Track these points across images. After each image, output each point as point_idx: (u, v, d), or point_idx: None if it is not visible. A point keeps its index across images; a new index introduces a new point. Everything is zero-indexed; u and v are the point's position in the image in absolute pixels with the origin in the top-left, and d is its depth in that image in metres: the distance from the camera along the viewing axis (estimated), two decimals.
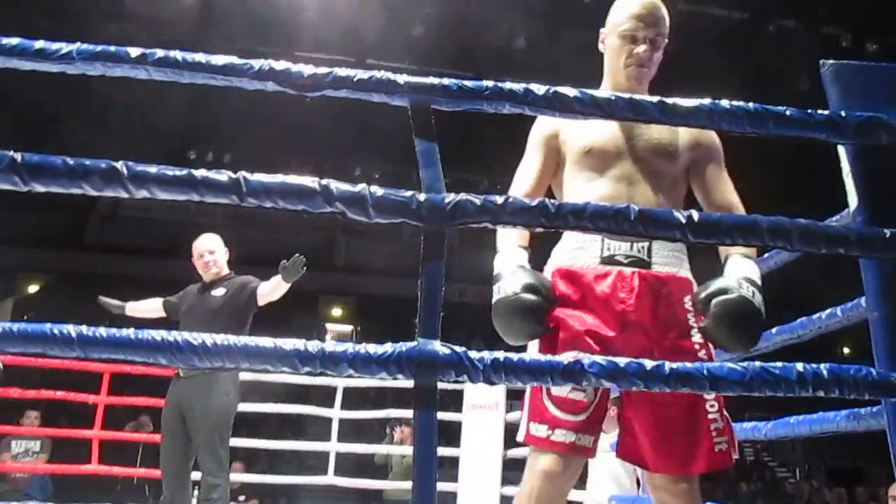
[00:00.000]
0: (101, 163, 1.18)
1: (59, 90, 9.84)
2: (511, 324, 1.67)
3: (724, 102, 1.40)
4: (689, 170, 1.89)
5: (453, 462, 5.29)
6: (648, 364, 1.23)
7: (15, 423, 6.05)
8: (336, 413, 5.46)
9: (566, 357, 1.22)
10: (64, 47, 1.28)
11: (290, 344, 1.14)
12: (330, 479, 5.32)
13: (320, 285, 15.47)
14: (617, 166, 1.81)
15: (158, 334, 1.13)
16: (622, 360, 1.23)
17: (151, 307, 3.72)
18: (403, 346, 1.17)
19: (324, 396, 7.89)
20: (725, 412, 1.76)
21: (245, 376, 4.25)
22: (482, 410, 5.32)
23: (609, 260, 1.76)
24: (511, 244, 1.78)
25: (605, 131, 1.83)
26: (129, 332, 1.13)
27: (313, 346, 1.15)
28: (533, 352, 1.74)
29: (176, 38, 10.58)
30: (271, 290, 3.44)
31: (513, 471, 6.66)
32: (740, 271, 1.71)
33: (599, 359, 1.22)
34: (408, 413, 6.10)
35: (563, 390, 1.68)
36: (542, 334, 1.71)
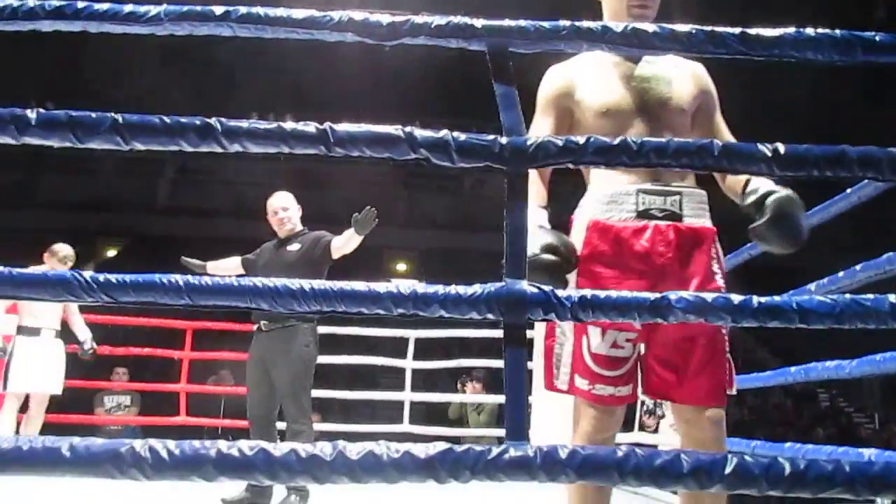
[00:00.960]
0: (195, 119, 1.24)
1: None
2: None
3: (809, 30, 1.36)
4: (694, 118, 1.88)
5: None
6: (736, 299, 1.24)
7: (106, 379, 6.42)
8: (409, 363, 5.58)
9: (653, 294, 1.24)
10: (152, 9, 1.32)
11: (383, 287, 1.18)
12: (405, 427, 5.47)
13: (384, 240, 15.66)
14: (634, 125, 1.80)
15: (260, 281, 1.19)
16: (709, 296, 1.23)
17: (231, 265, 3.85)
18: (492, 287, 1.20)
19: (392, 349, 8.07)
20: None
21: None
22: None
23: (645, 214, 1.76)
24: (531, 204, 1.77)
25: (618, 91, 1.82)
26: (232, 280, 1.19)
27: (405, 287, 1.19)
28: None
29: None
30: (344, 242, 3.51)
31: None
32: (770, 182, 1.73)
33: (687, 294, 1.23)
34: (477, 362, 6.20)
35: (602, 348, 1.76)
36: None
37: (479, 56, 1.34)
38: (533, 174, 1.70)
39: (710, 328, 1.71)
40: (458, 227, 15.61)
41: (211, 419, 5.82)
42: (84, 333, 4.62)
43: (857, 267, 2.21)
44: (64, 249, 4.56)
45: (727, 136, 1.88)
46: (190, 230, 14.30)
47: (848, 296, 1.27)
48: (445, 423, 6.95)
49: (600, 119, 1.82)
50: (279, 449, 1.09)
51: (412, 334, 5.52)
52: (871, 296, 1.26)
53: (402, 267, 17.09)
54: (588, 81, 1.84)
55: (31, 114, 1.23)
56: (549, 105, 1.89)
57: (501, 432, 6.05)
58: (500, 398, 5.81)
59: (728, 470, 1.15)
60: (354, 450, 1.10)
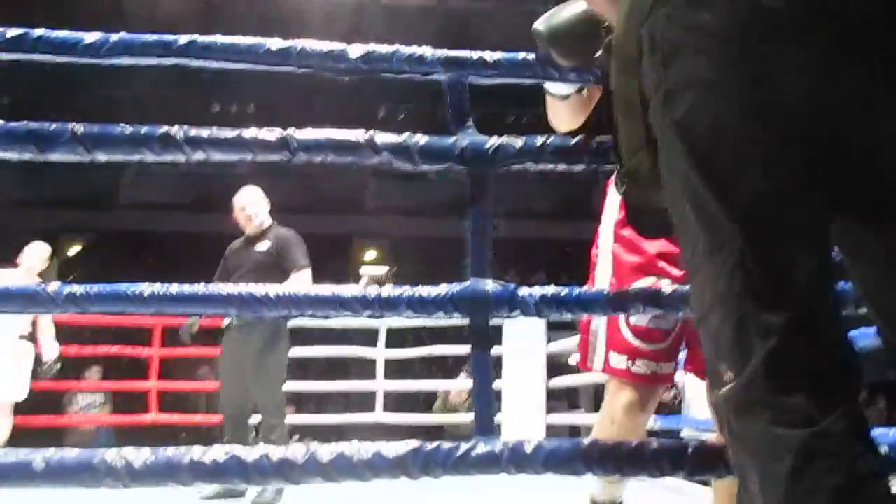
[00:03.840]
0: (157, 129, 1.24)
1: None
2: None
3: None
4: None
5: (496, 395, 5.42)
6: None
7: (77, 379, 6.34)
8: (380, 352, 5.61)
9: (613, 289, 1.28)
10: (112, 37, 1.30)
11: (350, 291, 1.20)
12: (378, 416, 5.50)
13: (352, 229, 15.61)
14: None
15: (227, 288, 1.20)
16: (668, 288, 1.28)
17: None
18: (457, 287, 1.23)
19: (365, 338, 8.09)
20: None
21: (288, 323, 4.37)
22: (524, 342, 5.42)
23: None
24: None
25: None
26: (200, 288, 1.20)
27: (372, 293, 1.21)
28: (603, 279, 1.65)
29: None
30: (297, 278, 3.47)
31: (556, 400, 6.83)
32: None
33: (645, 287, 1.27)
34: (449, 349, 6.24)
35: (642, 319, 1.60)
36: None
37: None
38: None
39: None
40: (427, 214, 15.59)
41: (186, 415, 5.78)
42: (49, 350, 4.42)
43: None
44: (35, 254, 4.40)
45: None
46: (153, 224, 14.10)
47: None
48: (419, 409, 7.00)
49: None
50: (251, 454, 1.11)
51: (383, 324, 5.54)
52: None
53: (372, 255, 17.06)
54: None
55: None
56: None
57: (469, 417, 6.12)
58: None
59: (688, 453, 1.19)
60: (326, 451, 1.13)
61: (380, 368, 5.58)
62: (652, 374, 1.62)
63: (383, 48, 1.32)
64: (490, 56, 1.33)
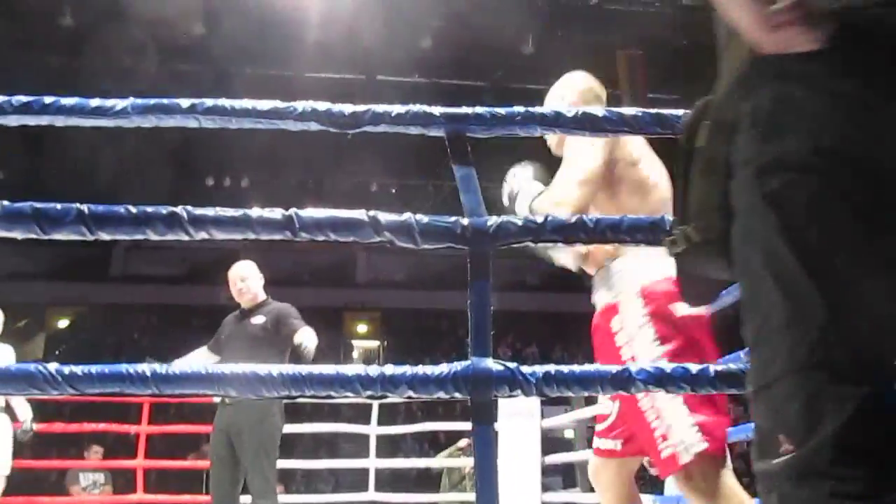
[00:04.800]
0: (161, 209, 1.25)
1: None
2: None
3: None
4: None
5: None
6: (694, 368, 1.28)
7: (79, 458, 6.26)
8: (373, 429, 5.52)
9: (614, 367, 1.28)
10: (119, 103, 1.35)
11: (352, 370, 1.20)
12: (371, 495, 5.37)
13: (344, 301, 15.56)
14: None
15: (227, 368, 1.19)
16: (668, 366, 1.28)
17: (200, 358, 3.75)
18: (458, 366, 1.23)
19: (353, 415, 7.96)
20: (668, 415, 1.64)
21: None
22: (518, 418, 5.35)
23: None
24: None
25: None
26: (200, 368, 1.20)
27: (374, 370, 1.21)
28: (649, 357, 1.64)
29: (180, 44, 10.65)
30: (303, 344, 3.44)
31: (552, 476, 6.69)
32: None
33: (647, 365, 1.27)
34: (442, 425, 6.14)
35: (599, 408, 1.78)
36: None
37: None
38: None
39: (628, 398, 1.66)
40: (419, 286, 15.60)
41: (174, 495, 5.61)
42: (25, 413, 4.32)
43: None
44: None
45: None
46: (143, 297, 14.04)
47: None
48: (410, 487, 6.85)
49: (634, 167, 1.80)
50: None
51: (375, 400, 5.47)
52: None
53: (362, 328, 16.97)
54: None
55: None
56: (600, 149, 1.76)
57: (470, 497, 5.97)
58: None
59: None
60: None
61: (372, 445, 5.48)
62: (597, 448, 1.89)
63: (382, 107, 1.36)
64: (487, 111, 1.38)
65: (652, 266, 1.67)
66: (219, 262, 3.81)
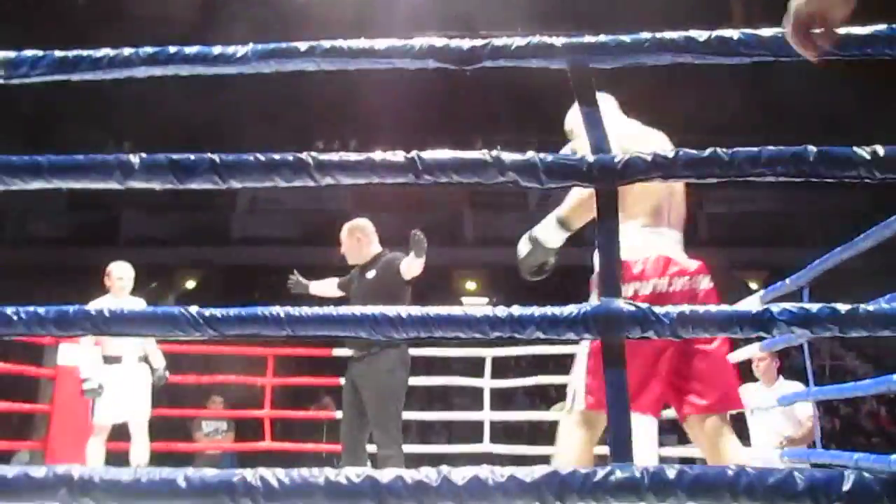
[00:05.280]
0: (288, 156, 1.27)
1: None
2: None
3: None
4: None
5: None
6: (842, 308, 1.19)
7: (202, 407, 6.78)
8: (487, 383, 5.57)
9: (754, 307, 1.21)
10: (240, 49, 1.37)
11: (480, 311, 1.19)
12: (486, 447, 5.44)
13: (452, 260, 15.67)
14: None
15: (359, 310, 1.21)
16: (814, 306, 1.20)
17: (329, 286, 3.96)
18: (588, 306, 1.19)
19: (465, 368, 8.07)
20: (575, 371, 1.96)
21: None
22: None
23: None
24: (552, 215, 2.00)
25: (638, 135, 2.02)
26: (332, 310, 1.22)
27: (502, 311, 1.19)
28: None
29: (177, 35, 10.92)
30: (407, 267, 3.54)
31: (667, 434, 6.55)
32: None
33: (789, 306, 1.19)
34: (553, 379, 6.12)
35: None
36: None
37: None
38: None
39: None
40: None
41: (299, 443, 5.88)
42: (159, 362, 4.59)
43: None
44: (117, 270, 4.52)
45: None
46: (262, 258, 14.65)
47: None
48: (523, 440, 6.89)
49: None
50: (386, 475, 1.10)
51: (489, 353, 5.51)
52: None
53: (471, 286, 17.09)
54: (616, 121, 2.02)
55: (135, 158, 1.29)
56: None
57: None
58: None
59: (846, 487, 1.10)
60: (459, 475, 1.11)
61: (486, 398, 5.53)
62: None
63: (502, 40, 1.32)
64: (612, 39, 1.31)
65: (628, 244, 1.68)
66: (330, 224, 3.91)
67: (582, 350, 1.93)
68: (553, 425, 6.62)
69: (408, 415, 6.29)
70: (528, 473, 1.11)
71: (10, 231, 14.59)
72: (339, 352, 5.05)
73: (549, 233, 1.96)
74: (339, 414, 4.26)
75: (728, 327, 1.21)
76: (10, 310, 1.23)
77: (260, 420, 5.53)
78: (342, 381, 3.81)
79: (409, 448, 6.78)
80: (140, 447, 4.39)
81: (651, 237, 1.91)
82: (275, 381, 5.44)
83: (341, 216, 4.09)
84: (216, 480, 1.11)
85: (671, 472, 1.10)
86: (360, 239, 3.75)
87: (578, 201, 1.86)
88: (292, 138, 13.00)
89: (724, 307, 1.22)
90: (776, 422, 4.57)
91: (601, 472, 1.10)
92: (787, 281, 3.22)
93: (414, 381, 5.86)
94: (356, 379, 3.55)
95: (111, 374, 4.41)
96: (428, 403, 10.39)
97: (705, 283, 1.91)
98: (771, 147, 1.27)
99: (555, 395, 9.04)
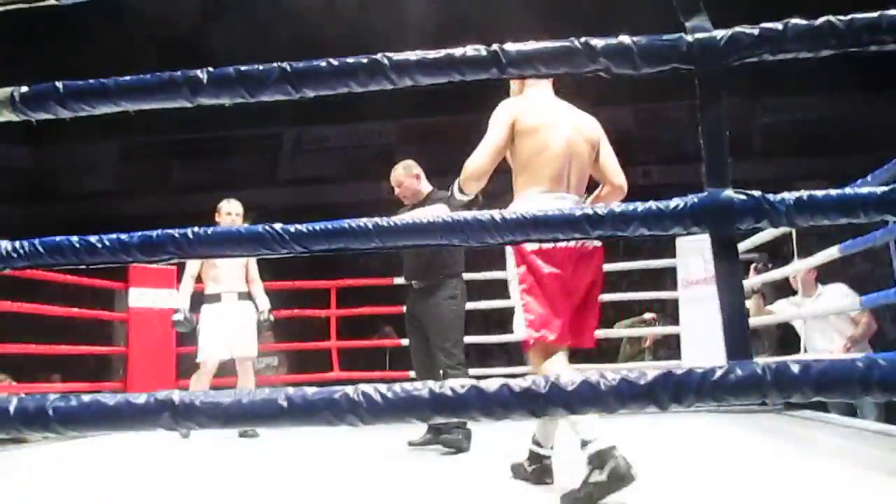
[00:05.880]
0: (363, 58, 1.20)
1: None
2: None
3: None
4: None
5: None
6: None
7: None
8: None
9: (880, 189, 1.11)
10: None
11: (580, 210, 1.11)
12: None
13: (502, 188, 15.52)
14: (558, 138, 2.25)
15: (449, 216, 1.15)
16: None
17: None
18: (695, 198, 1.11)
19: None
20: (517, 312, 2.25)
21: None
22: (696, 286, 5.16)
23: None
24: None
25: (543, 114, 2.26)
26: (421, 219, 1.16)
27: (602, 209, 1.12)
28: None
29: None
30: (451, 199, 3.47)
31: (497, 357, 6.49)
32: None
33: None
34: (623, 296, 6.02)
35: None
36: None
37: None
38: None
39: None
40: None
41: (366, 372, 5.96)
42: (263, 302, 4.56)
43: None
44: (227, 206, 4.57)
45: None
46: (310, 197, 14.72)
47: None
48: (591, 360, 6.87)
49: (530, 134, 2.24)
50: (492, 385, 1.06)
51: (605, 239, 5.45)
52: None
53: None
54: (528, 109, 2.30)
55: (202, 74, 1.23)
56: (503, 123, 2.27)
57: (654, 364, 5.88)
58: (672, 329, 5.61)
59: None
60: (568, 380, 1.06)
61: None
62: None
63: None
64: None
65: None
66: (378, 158, 3.84)
67: (513, 292, 2.22)
68: (616, 341, 6.52)
69: (467, 338, 6.32)
70: (641, 376, 1.05)
71: (67, 186, 14.93)
72: (399, 281, 5.05)
73: (457, 194, 2.36)
74: (404, 341, 4.27)
75: (850, 212, 1.11)
76: (93, 238, 1.20)
77: (310, 353, 5.57)
78: (404, 309, 3.81)
79: (472, 371, 6.86)
80: (246, 383, 4.38)
81: (553, 202, 2.15)
82: (339, 312, 5.49)
83: (385, 149, 4.02)
84: (318, 398, 1.08)
85: (795, 368, 1.03)
86: (418, 176, 3.70)
87: (465, 177, 2.27)
88: None
89: (846, 190, 1.12)
90: (832, 326, 4.47)
91: (719, 371, 1.04)
92: (869, 179, 3.06)
93: (471, 305, 5.88)
94: (415, 308, 3.57)
95: (211, 313, 4.41)
96: (485, 328, 10.46)
97: (596, 242, 2.21)
98: (892, 12, 1.14)
99: (612, 316, 8.99)
